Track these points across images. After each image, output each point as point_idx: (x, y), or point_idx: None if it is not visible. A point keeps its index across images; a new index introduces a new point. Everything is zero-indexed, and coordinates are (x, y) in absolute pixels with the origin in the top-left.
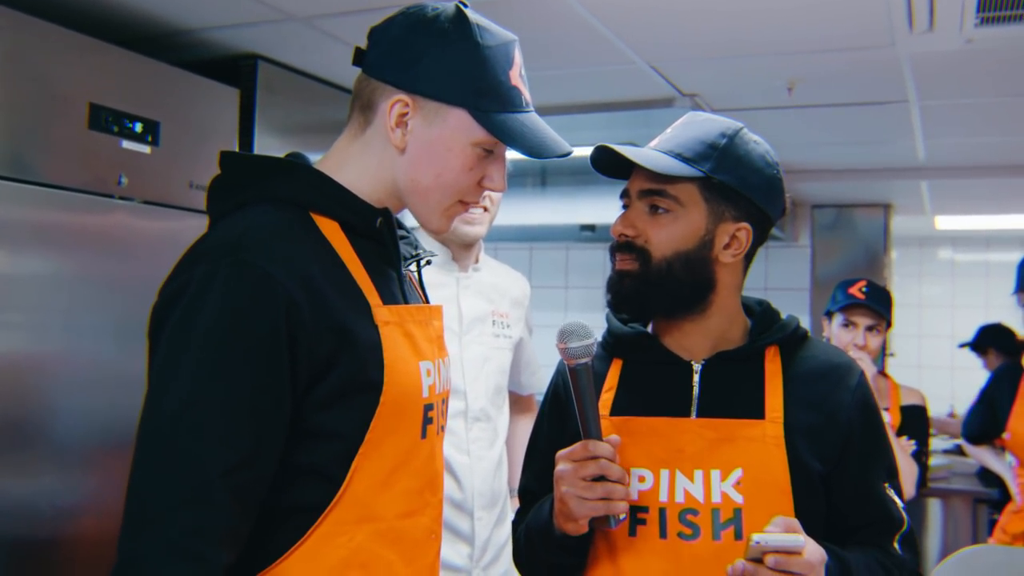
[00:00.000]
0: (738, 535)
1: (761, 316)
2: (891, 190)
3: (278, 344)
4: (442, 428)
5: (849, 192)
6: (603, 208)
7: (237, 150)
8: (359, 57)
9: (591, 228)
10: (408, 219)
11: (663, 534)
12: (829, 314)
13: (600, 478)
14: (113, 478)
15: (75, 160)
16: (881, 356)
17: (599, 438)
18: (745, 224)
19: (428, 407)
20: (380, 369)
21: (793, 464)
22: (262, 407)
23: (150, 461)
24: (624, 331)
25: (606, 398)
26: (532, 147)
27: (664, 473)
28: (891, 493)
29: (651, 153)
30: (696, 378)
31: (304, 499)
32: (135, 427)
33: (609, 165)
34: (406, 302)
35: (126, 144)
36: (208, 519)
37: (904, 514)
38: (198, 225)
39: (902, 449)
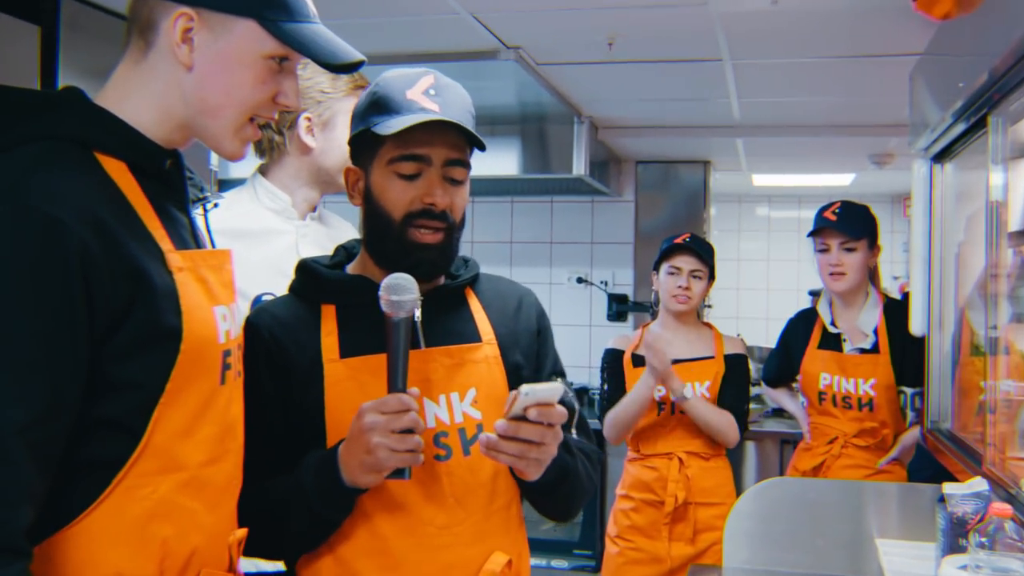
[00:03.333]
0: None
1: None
2: (710, 147)
3: (72, 294)
4: (239, 373)
5: (671, 149)
6: None
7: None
8: None
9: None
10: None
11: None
12: (656, 267)
13: (409, 431)
14: None
15: None
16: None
17: (406, 391)
18: None
19: (226, 353)
20: (178, 316)
21: (510, 375)
22: (57, 360)
23: None
24: (339, 276)
25: (328, 343)
26: (325, 55)
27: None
28: (560, 383)
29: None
30: (418, 313)
31: (103, 453)
32: None
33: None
34: (198, 247)
35: None
36: (5, 478)
37: (574, 402)
38: None
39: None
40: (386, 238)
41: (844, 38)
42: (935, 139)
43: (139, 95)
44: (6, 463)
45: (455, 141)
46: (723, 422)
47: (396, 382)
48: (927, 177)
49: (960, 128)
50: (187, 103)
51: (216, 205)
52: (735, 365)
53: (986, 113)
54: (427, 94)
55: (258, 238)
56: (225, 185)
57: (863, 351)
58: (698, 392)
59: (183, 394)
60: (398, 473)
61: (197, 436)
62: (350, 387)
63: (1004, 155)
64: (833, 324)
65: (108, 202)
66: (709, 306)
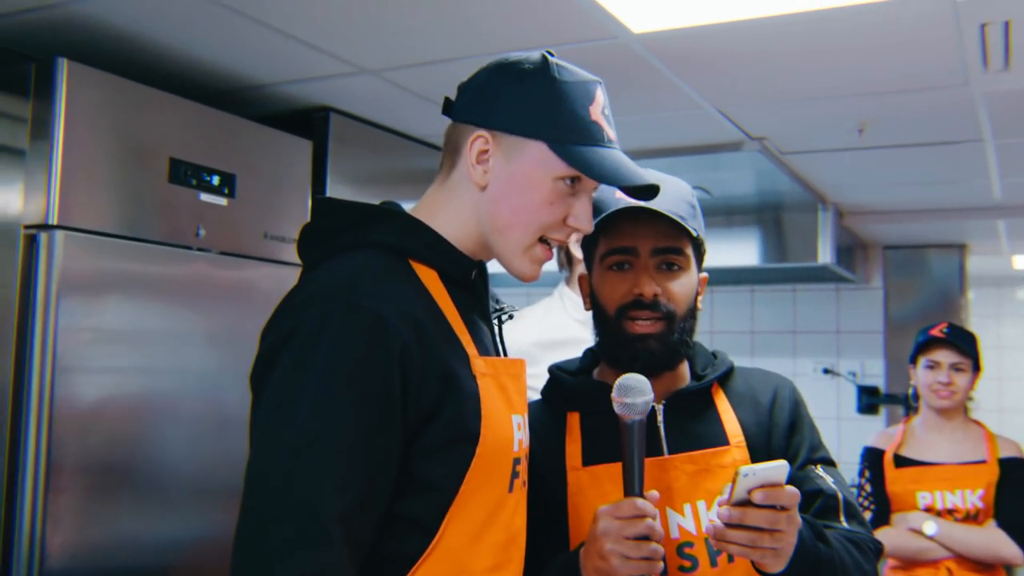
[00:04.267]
0: (730, 559)
1: (699, 354)
2: (966, 230)
3: (392, 389)
4: (524, 483)
5: (922, 233)
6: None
7: (311, 201)
8: (447, 107)
9: None
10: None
11: (664, 571)
12: (914, 359)
13: (644, 537)
14: (201, 515)
15: (156, 213)
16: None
17: (643, 495)
18: (705, 275)
19: (516, 461)
20: (478, 420)
21: None
22: (376, 452)
23: (265, 503)
24: (577, 383)
25: (572, 450)
26: (609, 176)
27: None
28: (821, 471)
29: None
30: (660, 418)
31: (399, 548)
32: (232, 468)
33: (625, 213)
34: (498, 355)
35: (204, 197)
36: (325, 561)
37: (838, 488)
38: (272, 274)
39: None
40: (606, 334)
41: None
42: None
43: (444, 211)
44: (329, 547)
45: (664, 230)
46: (991, 544)
47: (633, 487)
48: None
49: None
50: (480, 221)
51: (511, 316)
52: (1012, 470)
53: None
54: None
55: (568, 347)
56: None
57: None
58: (969, 502)
59: (475, 498)
60: None
61: (485, 541)
62: (592, 495)
63: None
64: None
65: (423, 305)
66: (972, 399)
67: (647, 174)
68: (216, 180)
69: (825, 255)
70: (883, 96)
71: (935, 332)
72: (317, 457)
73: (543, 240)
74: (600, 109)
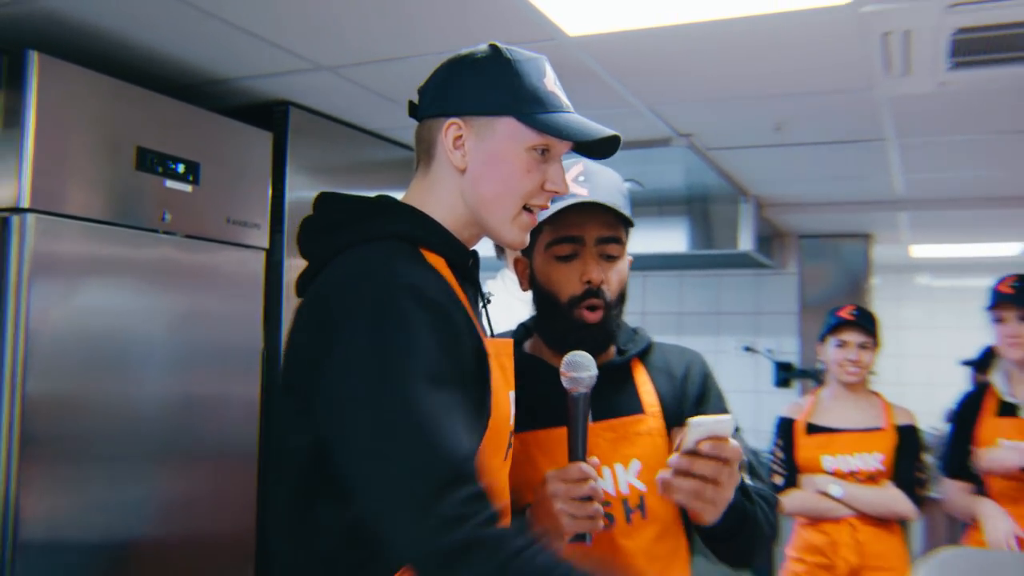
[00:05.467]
0: (643, 515)
1: (623, 331)
2: (871, 221)
3: (465, 349)
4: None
5: (833, 223)
6: None
7: (271, 189)
8: (413, 110)
9: None
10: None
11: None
12: (823, 338)
13: (587, 498)
14: (168, 482)
15: (124, 198)
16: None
17: (586, 460)
18: (631, 258)
19: (511, 433)
20: (490, 396)
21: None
22: (469, 401)
23: (405, 457)
24: (520, 358)
25: None
26: (576, 134)
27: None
28: None
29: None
30: None
31: None
32: (196, 437)
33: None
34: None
35: (169, 184)
36: (474, 493)
37: (746, 443)
38: (234, 256)
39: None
40: (554, 318)
41: (1008, 115)
42: None
43: (433, 203)
44: (474, 483)
45: (606, 220)
46: (889, 502)
47: (577, 452)
48: None
49: None
50: (467, 202)
51: (490, 301)
52: (907, 436)
53: None
54: (577, 181)
55: (511, 325)
56: None
57: None
58: (870, 464)
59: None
60: (579, 538)
61: None
62: (520, 460)
63: None
64: (1011, 395)
65: (448, 288)
66: (873, 373)
67: (605, 129)
68: (181, 168)
69: (746, 243)
70: (798, 98)
71: (844, 314)
72: (439, 408)
73: (527, 208)
74: (553, 81)
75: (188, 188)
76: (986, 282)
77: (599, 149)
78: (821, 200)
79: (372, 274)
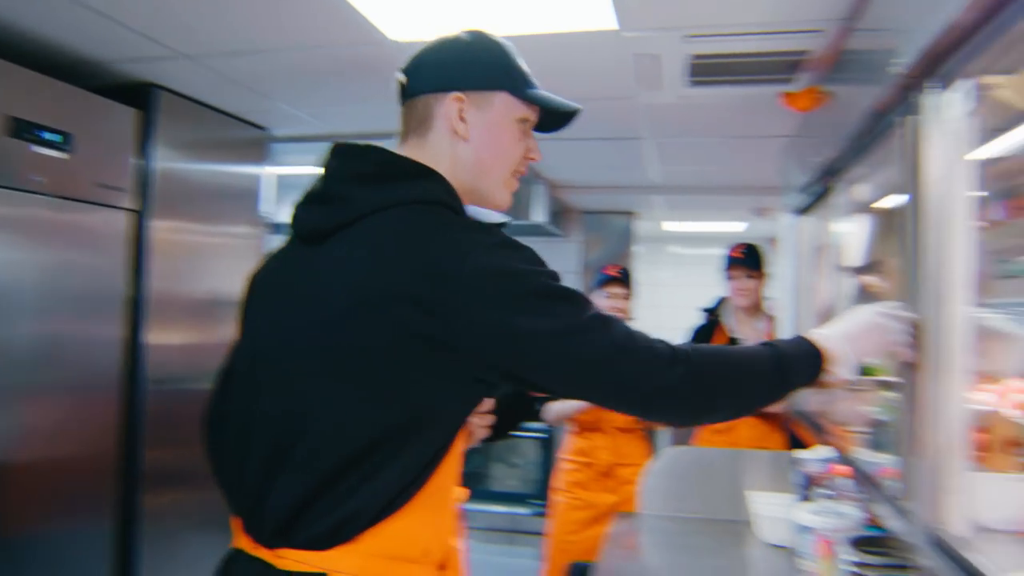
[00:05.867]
0: None
1: None
2: (635, 202)
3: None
4: None
5: (606, 202)
6: None
7: (139, 159)
8: (404, 90)
9: None
10: None
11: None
12: (593, 291)
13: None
14: (36, 414)
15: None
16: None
17: None
18: None
19: None
20: None
21: None
22: None
23: (625, 350)
24: None
25: None
26: (558, 105)
27: None
28: None
29: None
30: None
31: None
32: (61, 372)
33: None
34: None
35: (44, 151)
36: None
37: None
38: (103, 217)
39: None
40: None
41: (736, 123)
42: (797, 199)
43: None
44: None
45: None
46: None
47: None
48: (792, 226)
49: (815, 191)
50: (467, 169)
51: None
52: None
53: (831, 181)
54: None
55: None
56: (275, 228)
57: None
58: None
59: None
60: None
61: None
62: None
63: (845, 211)
64: (736, 332)
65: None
66: (632, 319)
67: (573, 103)
68: (54, 137)
69: (538, 216)
70: (578, 102)
71: (610, 272)
72: (615, 321)
73: (513, 174)
74: (522, 60)
75: (61, 155)
76: (721, 251)
77: (558, 123)
78: (597, 184)
79: (478, 238)
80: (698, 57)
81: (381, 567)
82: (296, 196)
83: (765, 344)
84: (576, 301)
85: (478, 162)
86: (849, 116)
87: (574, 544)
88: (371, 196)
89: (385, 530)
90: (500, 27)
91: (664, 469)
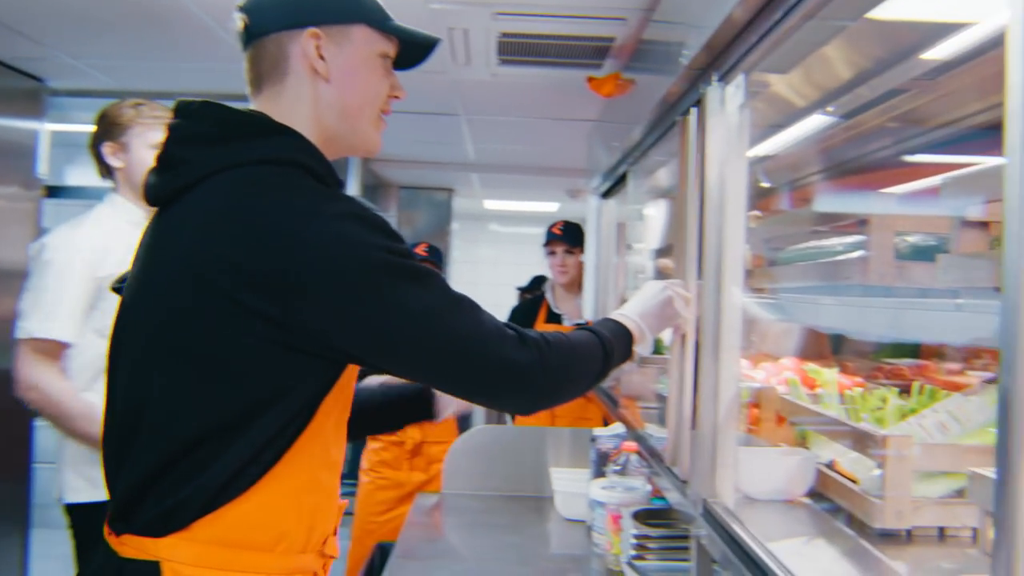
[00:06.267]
0: None
1: None
2: (453, 179)
3: None
4: None
5: (424, 178)
6: None
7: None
8: (248, 32)
9: None
10: None
11: None
12: None
13: None
14: None
15: None
16: None
17: None
18: None
19: None
20: None
21: None
22: None
23: (462, 329)
24: None
25: None
26: (422, 38)
27: None
28: None
29: None
30: None
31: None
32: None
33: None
34: None
35: None
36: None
37: None
38: None
39: None
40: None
41: (545, 104)
42: (602, 183)
43: (298, 121)
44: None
45: None
46: None
47: None
48: (597, 208)
49: (616, 176)
50: (333, 111)
51: None
52: None
53: (627, 169)
54: None
55: (121, 249)
56: (53, 191)
57: (578, 324)
58: None
59: None
60: None
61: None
62: None
63: (644, 195)
64: (557, 307)
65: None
66: None
67: (433, 34)
68: None
69: (351, 189)
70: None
71: (419, 251)
72: (467, 304)
73: (380, 112)
74: None
75: None
76: (537, 230)
77: (415, 58)
78: (414, 159)
79: (326, 206)
80: (506, 35)
81: (220, 555)
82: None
83: (589, 329)
84: (426, 281)
85: (343, 103)
86: (646, 104)
87: (381, 525)
88: (210, 158)
89: (224, 516)
90: None
91: (469, 448)
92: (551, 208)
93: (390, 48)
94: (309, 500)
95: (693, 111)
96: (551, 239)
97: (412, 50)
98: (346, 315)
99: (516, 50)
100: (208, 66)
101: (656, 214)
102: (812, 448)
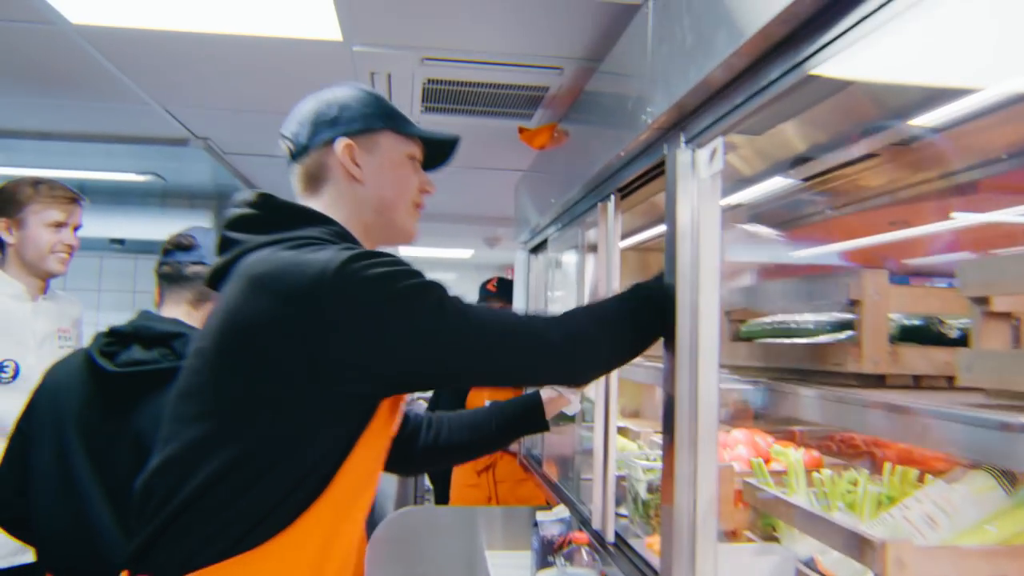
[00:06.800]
0: None
1: None
2: None
3: None
4: None
5: None
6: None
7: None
8: (292, 152)
9: (120, 242)
10: None
11: None
12: None
13: None
14: None
15: None
16: None
17: None
18: None
19: None
20: None
21: None
22: None
23: (508, 336)
24: None
25: None
26: (440, 139)
27: None
28: None
29: None
30: None
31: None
32: None
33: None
34: None
35: None
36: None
37: None
38: None
39: None
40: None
41: (470, 154)
42: (532, 237)
43: (339, 216)
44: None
45: None
46: None
47: None
48: (525, 262)
49: (552, 230)
50: (370, 207)
51: None
52: None
53: (565, 221)
54: None
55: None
56: None
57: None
58: None
59: None
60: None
61: None
62: None
63: (577, 248)
64: None
65: None
66: None
67: (453, 133)
68: None
69: None
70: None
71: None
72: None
73: (414, 205)
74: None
75: None
76: (448, 275)
77: (442, 157)
78: None
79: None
80: (432, 82)
81: None
82: None
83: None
84: (442, 293)
85: (379, 199)
86: (580, 156)
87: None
88: (253, 238)
89: (238, 565)
90: (208, 23)
91: (392, 536)
92: (465, 255)
93: (415, 149)
94: (329, 555)
95: (612, 198)
96: (487, 296)
97: (437, 148)
98: (385, 341)
99: (442, 97)
100: (110, 107)
101: (592, 268)
102: (781, 536)
